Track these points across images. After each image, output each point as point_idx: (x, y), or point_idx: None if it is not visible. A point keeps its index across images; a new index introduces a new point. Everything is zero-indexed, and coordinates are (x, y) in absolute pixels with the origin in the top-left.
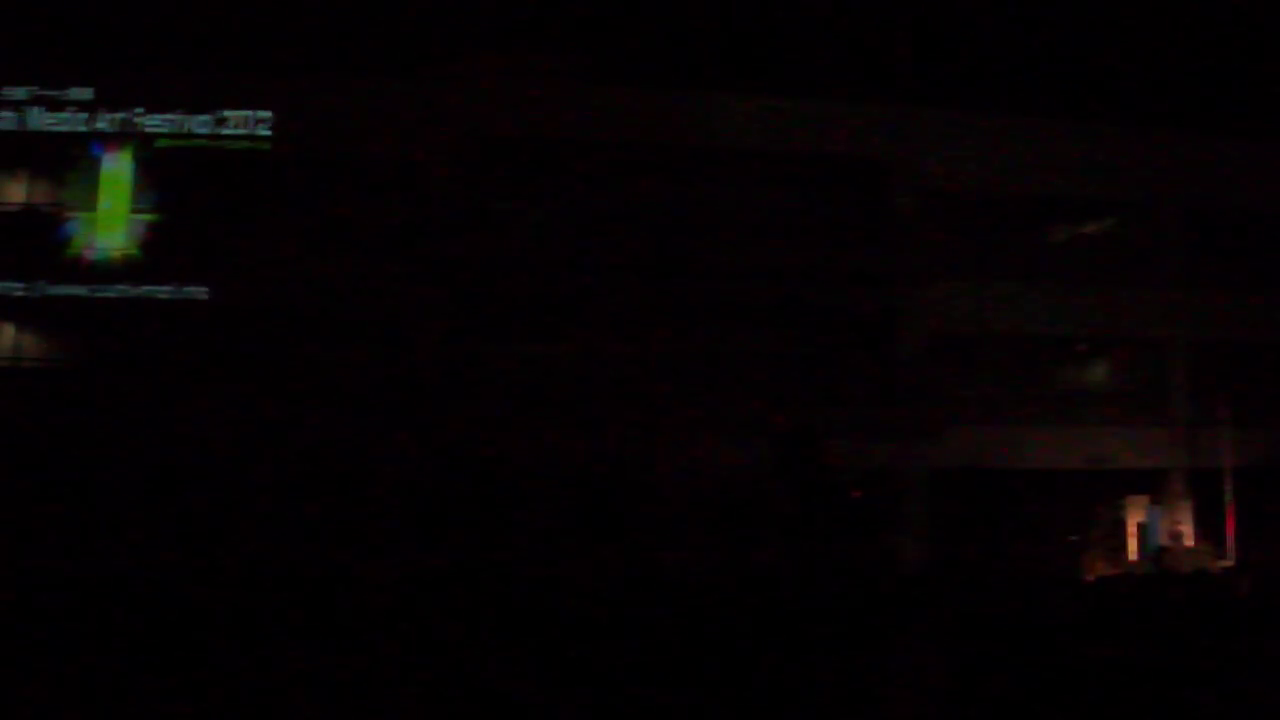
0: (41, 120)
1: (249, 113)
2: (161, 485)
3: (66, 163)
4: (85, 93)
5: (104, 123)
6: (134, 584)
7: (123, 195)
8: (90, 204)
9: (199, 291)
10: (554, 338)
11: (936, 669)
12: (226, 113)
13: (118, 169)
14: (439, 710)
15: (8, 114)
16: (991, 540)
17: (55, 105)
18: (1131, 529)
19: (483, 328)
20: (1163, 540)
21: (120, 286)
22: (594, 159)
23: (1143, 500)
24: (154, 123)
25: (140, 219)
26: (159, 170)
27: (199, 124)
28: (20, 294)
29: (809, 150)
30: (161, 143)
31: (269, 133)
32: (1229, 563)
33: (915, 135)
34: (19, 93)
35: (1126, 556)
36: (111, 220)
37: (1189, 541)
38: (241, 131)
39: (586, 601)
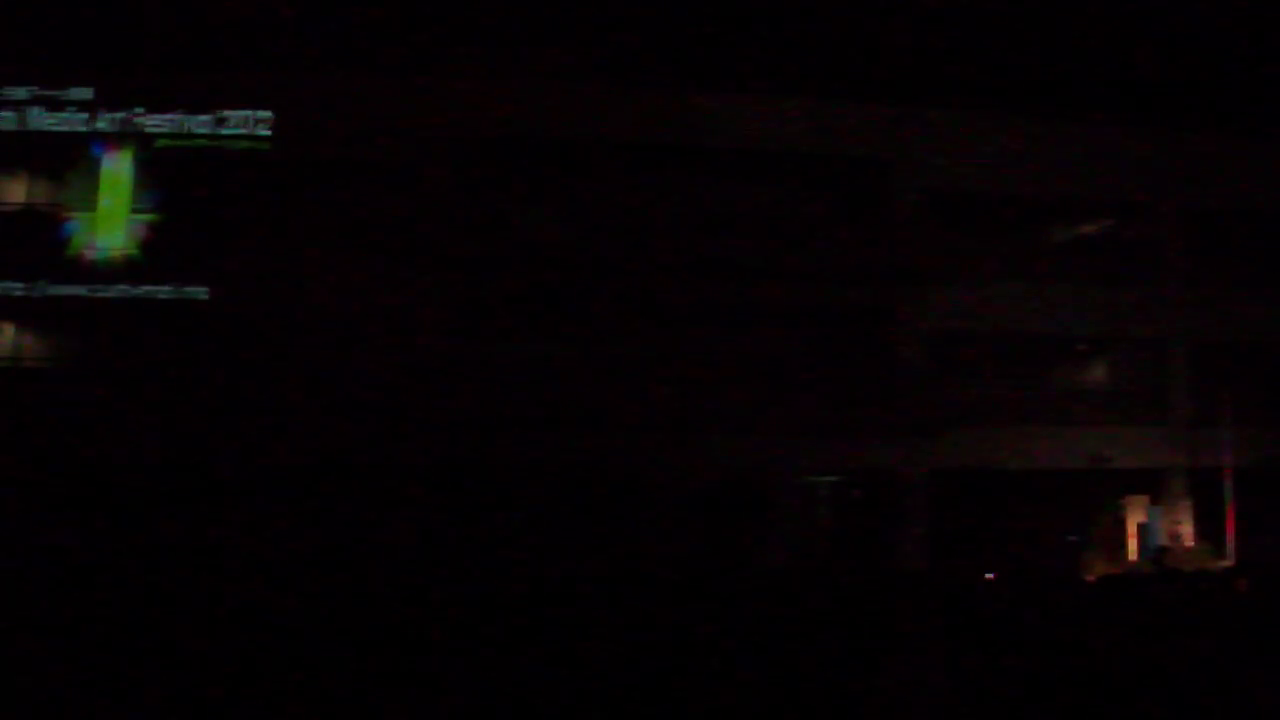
0: (41, 120)
1: (249, 113)
2: (161, 485)
3: (66, 163)
4: (85, 93)
5: (104, 123)
6: (134, 583)
7: (123, 195)
8: (90, 204)
9: (199, 291)
10: (554, 338)
11: (937, 669)
12: (226, 113)
13: (118, 169)
14: (436, 707)
15: (8, 114)
16: (992, 540)
17: (55, 105)
18: (1131, 529)
19: (483, 328)
20: (1163, 540)
21: (120, 286)
22: (593, 159)
23: (1143, 500)
24: (154, 123)
25: (140, 219)
26: (159, 170)
27: (199, 124)
28: (20, 294)
29: (809, 150)
30: (161, 143)
31: (269, 133)
32: (1229, 563)
33: (915, 135)
34: (19, 93)
35: (1126, 556)
36: (111, 220)
37: (1189, 541)
38: (241, 131)
39: (584, 601)
